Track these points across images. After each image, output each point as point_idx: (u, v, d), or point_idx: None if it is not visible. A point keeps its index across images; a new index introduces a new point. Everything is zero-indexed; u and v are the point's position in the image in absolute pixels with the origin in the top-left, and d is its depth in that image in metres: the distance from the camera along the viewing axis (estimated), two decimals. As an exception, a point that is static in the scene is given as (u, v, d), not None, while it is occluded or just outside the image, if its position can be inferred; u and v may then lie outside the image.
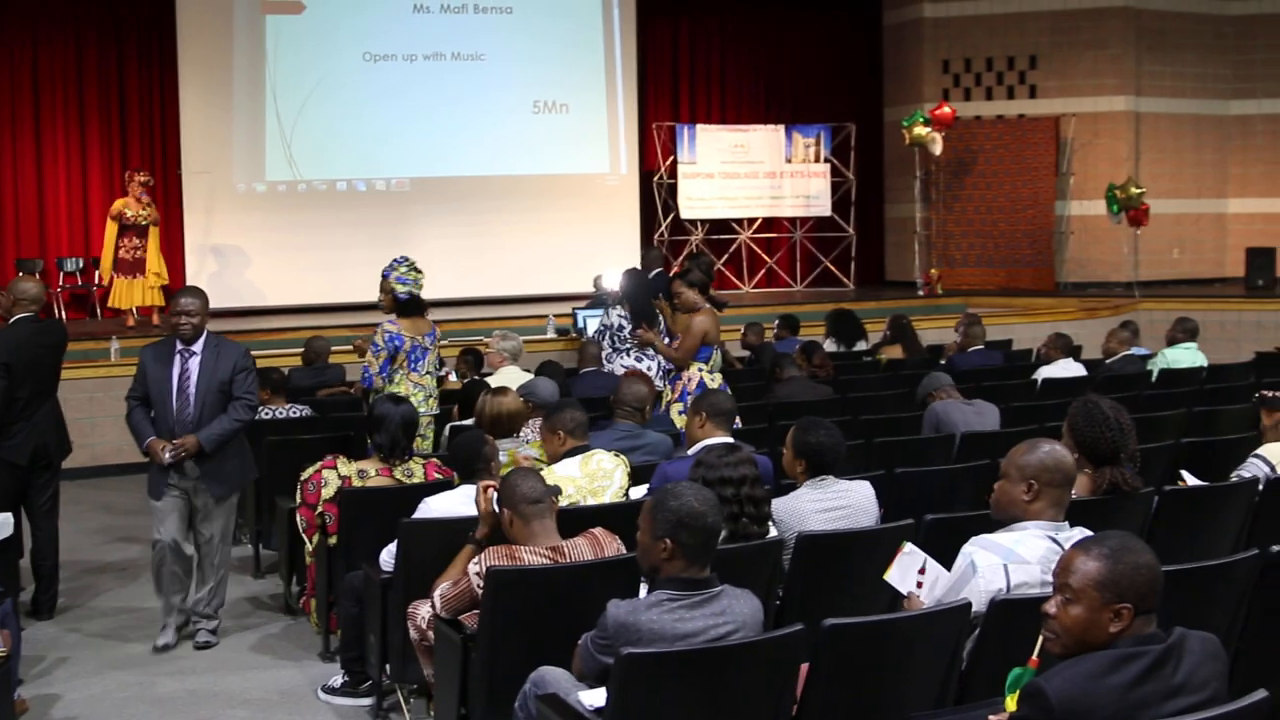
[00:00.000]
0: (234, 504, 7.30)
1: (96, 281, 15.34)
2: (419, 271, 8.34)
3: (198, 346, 6.85)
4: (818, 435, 5.38)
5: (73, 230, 16.43)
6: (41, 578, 7.73)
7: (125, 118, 16.62)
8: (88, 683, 6.52)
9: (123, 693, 6.35)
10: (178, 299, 6.93)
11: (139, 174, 14.26)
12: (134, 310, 14.31)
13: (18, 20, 16.05)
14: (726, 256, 18.74)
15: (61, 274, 16.01)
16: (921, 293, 17.89)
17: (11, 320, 7.57)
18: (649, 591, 4.08)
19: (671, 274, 10.14)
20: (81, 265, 16.18)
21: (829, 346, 12.13)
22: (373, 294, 8.88)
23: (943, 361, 11.50)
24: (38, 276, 13.78)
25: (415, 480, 6.29)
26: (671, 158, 18.28)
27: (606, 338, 10.53)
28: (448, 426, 7.98)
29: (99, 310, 15.85)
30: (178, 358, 6.85)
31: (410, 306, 8.24)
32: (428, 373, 8.32)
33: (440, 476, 6.33)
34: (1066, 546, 3.54)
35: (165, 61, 16.44)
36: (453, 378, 9.85)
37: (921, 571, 4.26)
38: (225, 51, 16.43)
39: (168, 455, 6.78)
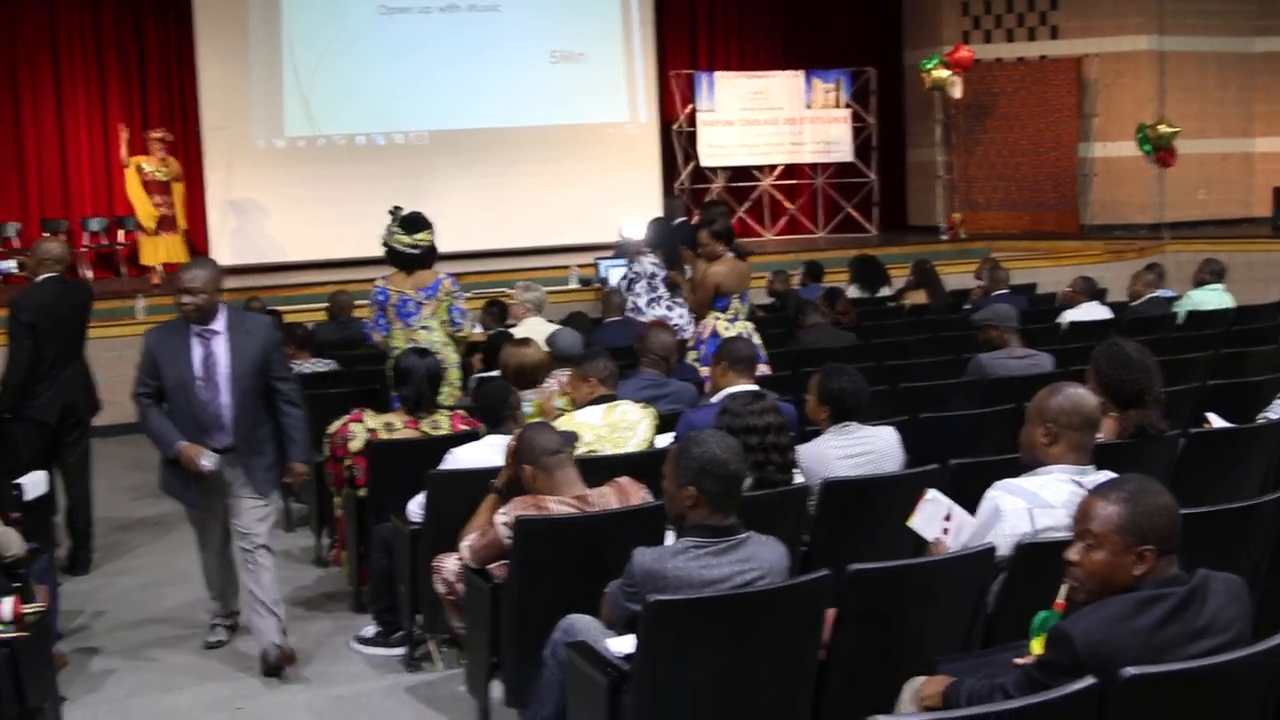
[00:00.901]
0: (278, 499, 6.80)
1: (123, 240, 15.35)
2: (411, 225, 8.13)
3: (218, 325, 5.75)
4: (841, 381, 5.40)
5: (96, 190, 16.48)
6: (77, 535, 7.85)
7: (144, 77, 16.63)
8: (124, 636, 6.61)
9: (159, 646, 6.43)
10: (179, 274, 5.88)
11: (155, 131, 14.29)
12: (160, 268, 14.36)
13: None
14: (748, 204, 18.69)
15: (86, 234, 16.07)
16: (945, 237, 17.83)
17: (37, 280, 7.62)
18: (675, 539, 4.11)
19: (694, 223, 10.10)
20: (105, 225, 16.24)
21: (852, 292, 12.13)
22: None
23: (967, 306, 11.47)
24: (62, 237, 13.87)
25: (441, 432, 6.34)
26: (690, 106, 18.21)
27: (642, 284, 10.49)
28: (473, 377, 8.02)
29: (123, 269, 15.93)
30: (196, 341, 5.73)
31: (398, 260, 8.16)
32: (423, 327, 8.01)
33: (466, 428, 6.37)
34: (1090, 490, 3.55)
35: (182, 19, 16.43)
36: (478, 329, 9.88)
37: (946, 519, 4.28)
38: (241, 7, 16.41)
39: (206, 464, 5.75)
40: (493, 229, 16.35)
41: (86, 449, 7.94)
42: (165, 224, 14.08)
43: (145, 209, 13.96)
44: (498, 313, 10.21)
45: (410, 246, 8.04)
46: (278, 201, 16.38)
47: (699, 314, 8.62)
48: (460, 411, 6.59)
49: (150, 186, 13.96)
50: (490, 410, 5.88)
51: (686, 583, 3.85)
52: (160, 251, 14.19)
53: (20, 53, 16.14)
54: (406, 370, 6.44)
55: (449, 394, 7.53)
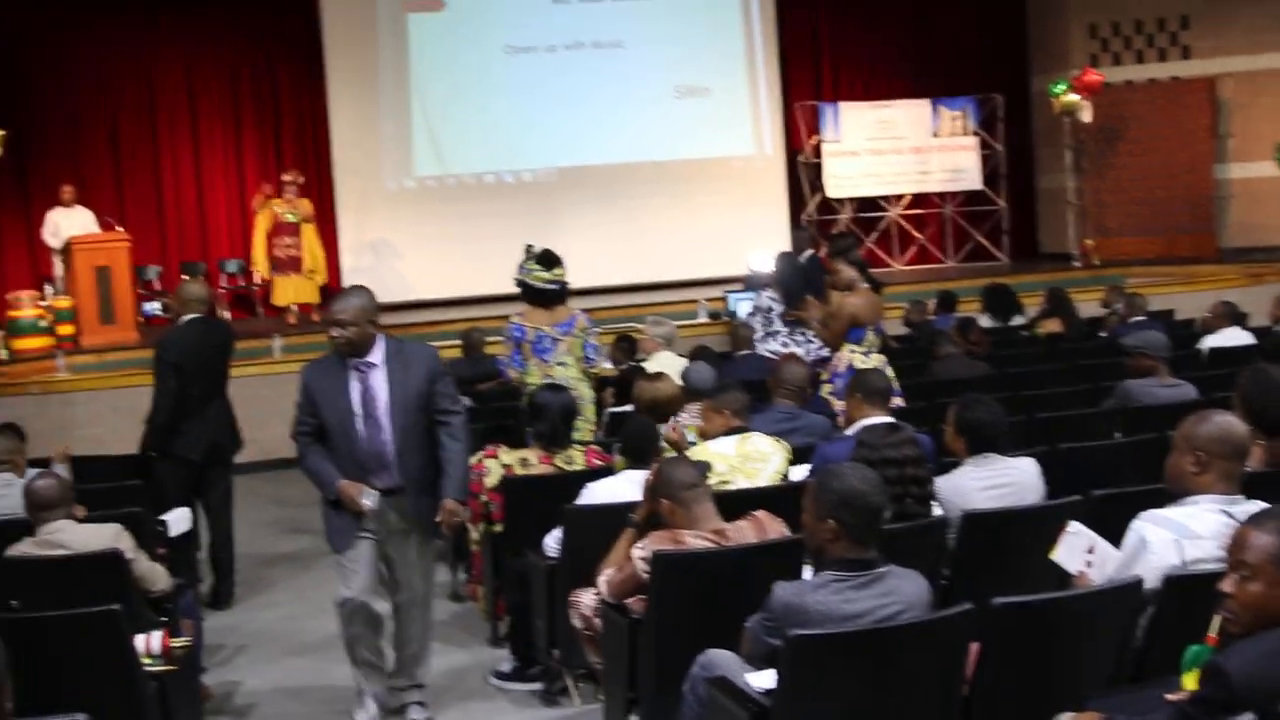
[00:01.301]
0: (436, 544, 6.40)
1: (257, 281, 15.72)
2: (547, 262, 8.20)
3: (376, 357, 5.46)
4: (979, 412, 5.35)
5: (232, 233, 16.91)
6: (219, 570, 8.03)
7: (279, 122, 17.08)
8: (266, 670, 6.73)
9: (300, 679, 6.53)
10: (330, 306, 5.63)
11: (287, 174, 14.63)
12: (293, 308, 14.65)
13: (175, 34, 16.61)
14: (876, 234, 18.57)
15: (224, 275, 16.46)
16: (1078, 264, 17.53)
17: (181, 322, 7.83)
18: (814, 573, 4.08)
19: (825, 253, 10.00)
20: (242, 266, 16.63)
21: (985, 322, 11.97)
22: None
23: (1103, 334, 11.27)
24: (202, 279, 14.24)
25: (576, 467, 6.37)
26: (816, 137, 18.16)
27: (758, 319, 10.52)
28: (606, 412, 8.05)
29: (259, 309, 16.29)
30: (353, 375, 5.46)
31: (535, 296, 8.21)
32: (559, 363, 8.09)
33: (600, 463, 6.40)
34: (1241, 520, 3.46)
35: (314, 65, 16.82)
36: (608, 365, 9.93)
37: (1089, 551, 4.20)
38: (370, 53, 16.74)
39: (368, 502, 5.45)
40: (620, 264, 16.42)
41: (229, 485, 8.15)
42: (292, 265, 14.40)
43: (261, 254, 14.33)
44: (628, 347, 10.25)
45: (548, 282, 8.10)
46: (409, 241, 16.64)
47: (833, 346, 8.55)
48: (595, 447, 6.63)
49: (281, 228, 14.32)
50: (636, 447, 5.91)
51: (827, 617, 3.82)
52: (290, 292, 14.52)
53: (160, 101, 16.68)
54: (541, 406, 6.49)
55: (584, 429, 7.57)
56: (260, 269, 14.67)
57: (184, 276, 16.07)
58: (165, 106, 16.65)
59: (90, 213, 14.74)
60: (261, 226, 14.44)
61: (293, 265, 14.45)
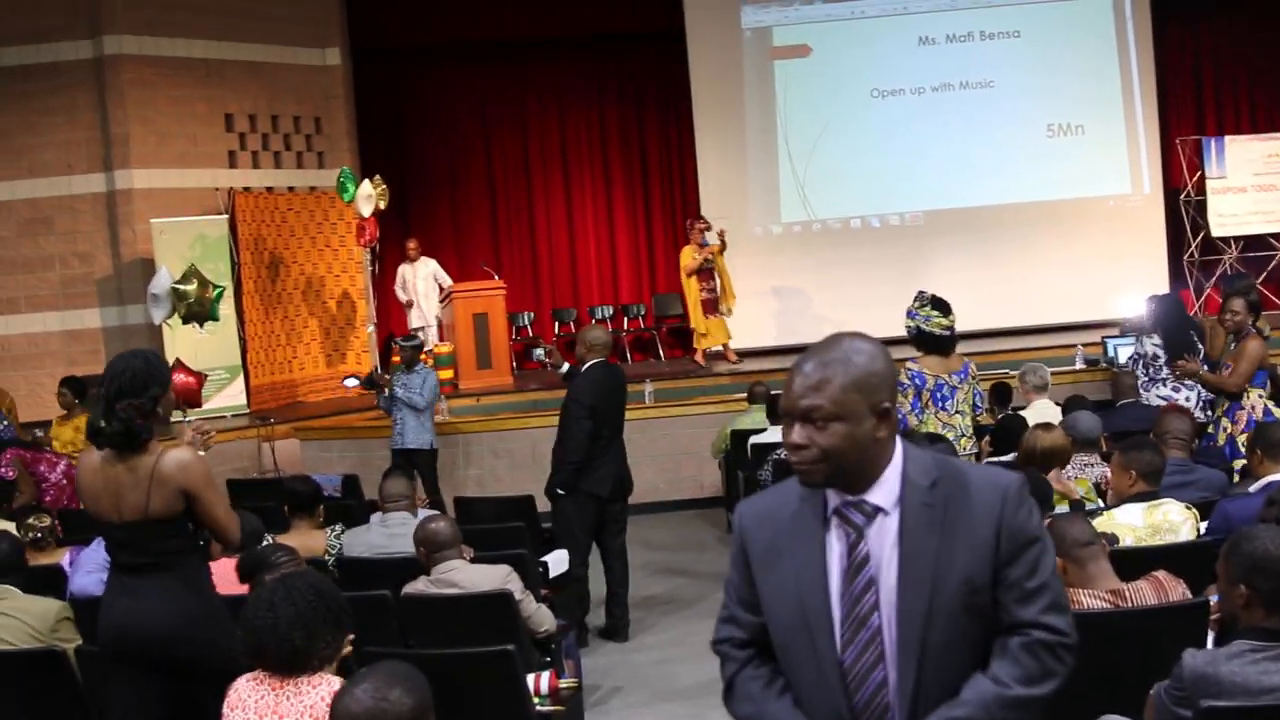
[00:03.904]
0: None
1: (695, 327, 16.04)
2: (940, 309, 8.05)
3: (882, 491, 2.81)
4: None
5: (602, 279, 17.46)
6: (616, 603, 8.42)
7: (646, 172, 17.57)
8: (640, 713, 6.82)
9: (675, 723, 6.60)
10: (790, 379, 2.84)
11: (699, 222, 14.91)
12: (711, 350, 15.01)
13: (546, 90, 17.38)
14: (1265, 275, 17.52)
15: (593, 321, 16.94)
16: None
17: (585, 366, 8.17)
18: (1216, 640, 3.84)
19: (1226, 291, 9.42)
20: (611, 313, 17.11)
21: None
22: (892, 330, 8.77)
23: None
24: (607, 324, 14.86)
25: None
26: (1198, 173, 17.30)
27: (1140, 366, 10.08)
28: (984, 462, 7.83)
29: (629, 354, 16.72)
30: (836, 534, 2.84)
31: (929, 343, 8.02)
32: (958, 412, 7.90)
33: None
34: None
35: (682, 115, 17.16)
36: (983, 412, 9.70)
37: None
38: (737, 101, 16.94)
39: None
40: (990, 308, 16.00)
41: (625, 522, 8.61)
42: (709, 307, 14.74)
43: (695, 309, 14.71)
44: (1003, 395, 9.97)
45: (945, 329, 7.88)
46: (775, 287, 16.69)
47: (1236, 392, 8.02)
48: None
49: (702, 275, 14.67)
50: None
51: (1242, 689, 3.57)
52: (719, 332, 14.86)
53: (533, 153, 17.43)
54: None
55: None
56: (695, 317, 15.06)
57: (556, 323, 16.74)
58: (538, 156, 17.43)
59: (434, 263, 15.47)
60: (690, 284, 14.88)
61: (709, 308, 14.83)
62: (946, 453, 6.26)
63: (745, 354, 15.42)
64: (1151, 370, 10.02)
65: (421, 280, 15.27)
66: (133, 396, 4.58)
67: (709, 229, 14.83)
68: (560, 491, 8.16)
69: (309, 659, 3.75)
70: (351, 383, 12.26)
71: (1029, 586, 2.79)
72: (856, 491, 2.82)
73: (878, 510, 2.81)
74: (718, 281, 14.88)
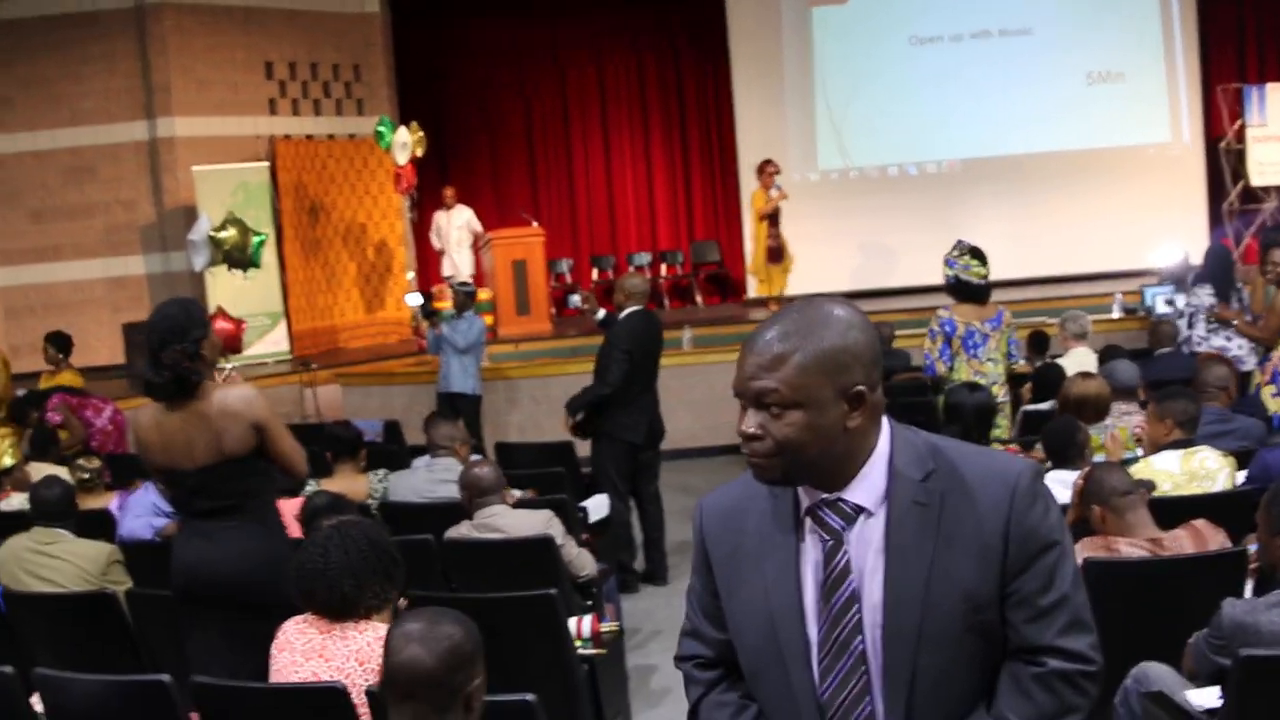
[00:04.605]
0: None
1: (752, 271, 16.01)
2: (977, 257, 8.05)
3: (864, 495, 2.36)
4: None
5: (640, 226, 17.49)
6: (653, 548, 8.52)
7: (685, 119, 17.57)
8: (680, 657, 6.89)
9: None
10: (749, 352, 2.34)
11: (769, 165, 14.76)
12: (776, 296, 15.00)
13: (583, 38, 17.39)
14: (1304, 224, 17.40)
15: (631, 268, 16.96)
16: None
17: (624, 313, 8.22)
18: (1255, 590, 3.89)
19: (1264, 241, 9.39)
20: (649, 259, 17.14)
21: None
22: (927, 278, 8.78)
23: None
24: (645, 272, 14.84)
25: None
26: (1239, 121, 17.14)
27: (1188, 319, 10.06)
28: (1021, 410, 7.87)
29: (667, 301, 16.76)
30: (811, 539, 2.40)
31: (965, 292, 8.02)
32: (989, 360, 7.88)
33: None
34: None
35: (719, 61, 17.15)
36: (1019, 361, 9.71)
37: None
38: (774, 47, 16.90)
39: None
40: (1027, 257, 15.95)
41: (658, 469, 8.67)
42: (774, 255, 14.70)
43: (759, 246, 14.69)
44: (1040, 343, 9.98)
45: (982, 277, 7.90)
46: (813, 234, 16.66)
47: (1269, 343, 8.04)
48: (1013, 445, 6.49)
49: (765, 220, 14.61)
50: (1059, 447, 5.75)
51: (1280, 638, 3.62)
52: (777, 280, 14.82)
53: (572, 100, 17.46)
54: (955, 406, 6.43)
55: (1003, 426, 7.39)
56: (756, 261, 15.01)
57: (594, 270, 16.79)
58: (576, 104, 17.47)
59: (469, 211, 15.42)
60: (759, 227, 14.80)
61: (777, 254, 14.74)
62: (985, 401, 6.36)
63: (781, 301, 15.41)
64: (1192, 319, 10.00)
65: (455, 229, 15.29)
66: (175, 343, 4.62)
67: (779, 173, 14.73)
68: (578, 415, 8.28)
69: (357, 606, 3.83)
70: (414, 299, 12.35)
71: (1044, 603, 2.31)
72: (832, 488, 2.34)
73: (859, 510, 2.34)
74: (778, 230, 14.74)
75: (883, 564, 2.31)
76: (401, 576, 3.93)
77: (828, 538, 2.35)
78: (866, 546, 2.33)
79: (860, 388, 2.27)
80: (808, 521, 2.37)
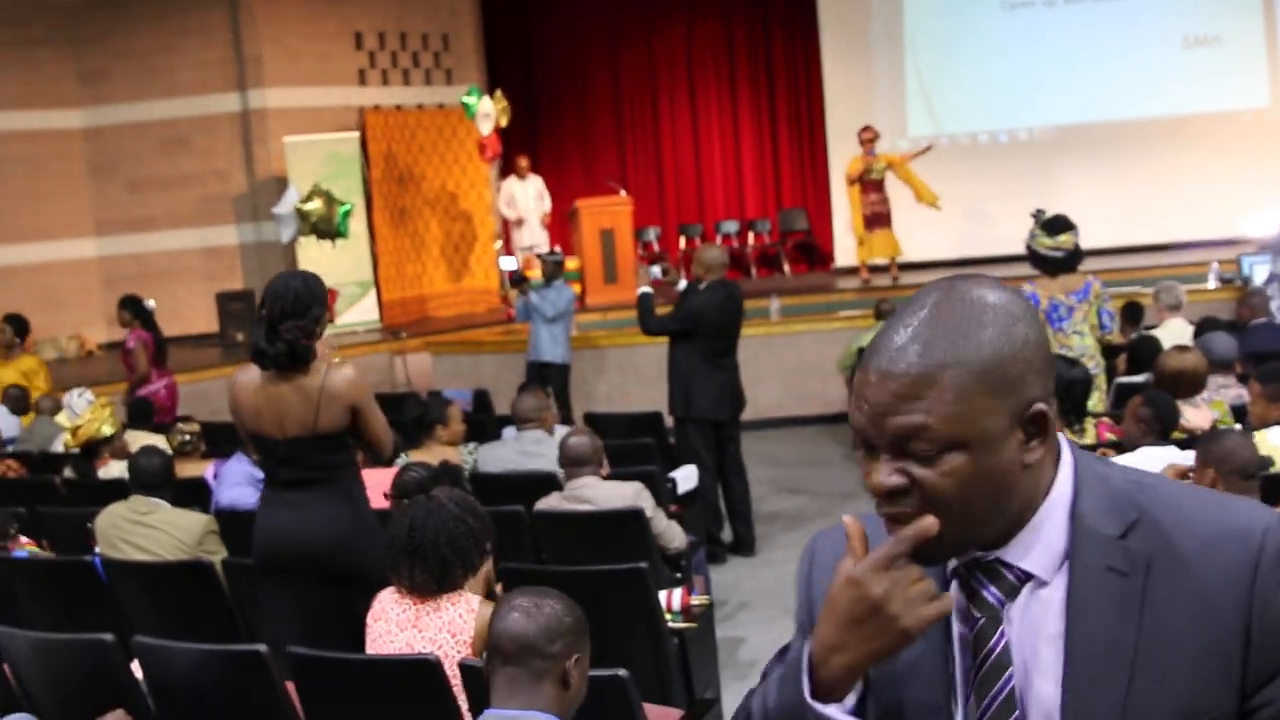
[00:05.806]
0: None
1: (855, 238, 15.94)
2: (1051, 228, 7.82)
3: (1035, 558, 1.58)
4: None
5: (727, 194, 17.43)
6: (739, 519, 8.52)
7: (773, 86, 17.43)
8: (768, 628, 6.91)
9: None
10: (872, 366, 1.56)
11: (864, 131, 14.62)
12: (865, 264, 14.89)
13: (673, 4, 17.25)
14: None
15: (719, 237, 16.94)
16: None
17: (703, 285, 8.21)
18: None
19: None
20: (736, 228, 17.10)
21: None
22: (1018, 248, 8.65)
23: None
24: (722, 243, 14.79)
25: (1086, 441, 6.18)
26: (1341, 85, 16.77)
27: (1275, 286, 9.89)
28: (1115, 382, 7.77)
29: (754, 270, 16.72)
30: (957, 620, 1.61)
31: (1041, 264, 7.89)
32: (1076, 332, 7.79)
33: (1111, 436, 6.19)
34: None
35: (808, 28, 16.99)
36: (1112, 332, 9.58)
37: None
38: (864, 12, 16.72)
39: None
40: (1122, 225, 15.70)
41: (739, 439, 8.63)
42: (879, 220, 14.59)
43: (856, 214, 14.61)
44: (1134, 314, 9.84)
45: (1051, 249, 7.76)
46: (903, 202, 16.53)
47: None
48: (1106, 419, 6.41)
49: (866, 186, 14.51)
50: (1154, 421, 5.65)
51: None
52: (879, 247, 14.70)
53: (660, 68, 17.39)
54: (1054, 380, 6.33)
55: (1095, 398, 7.31)
56: (856, 228, 14.94)
57: (681, 238, 16.74)
58: (665, 72, 17.39)
59: (541, 181, 15.39)
60: (853, 191, 14.72)
61: (879, 221, 14.62)
62: (1080, 377, 6.27)
63: (872, 270, 15.32)
64: (1287, 289, 9.83)
65: (533, 199, 15.30)
66: (296, 318, 4.69)
67: (876, 139, 14.61)
68: (641, 322, 8.75)
69: (447, 579, 3.89)
70: (509, 262, 12.45)
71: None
72: (990, 547, 1.61)
73: (1026, 578, 1.60)
74: (886, 195, 14.61)
75: (1061, 660, 1.57)
76: (490, 539, 4.00)
77: (978, 614, 1.60)
78: (1035, 631, 1.58)
79: (1040, 406, 1.55)
80: (953, 585, 1.63)
